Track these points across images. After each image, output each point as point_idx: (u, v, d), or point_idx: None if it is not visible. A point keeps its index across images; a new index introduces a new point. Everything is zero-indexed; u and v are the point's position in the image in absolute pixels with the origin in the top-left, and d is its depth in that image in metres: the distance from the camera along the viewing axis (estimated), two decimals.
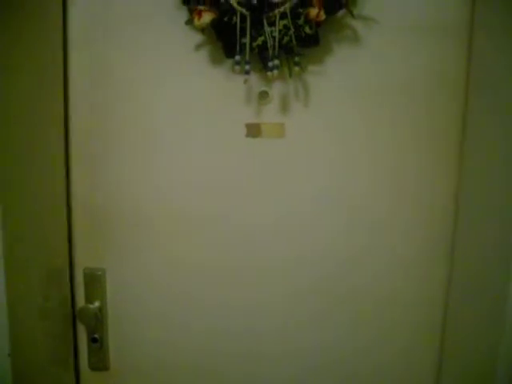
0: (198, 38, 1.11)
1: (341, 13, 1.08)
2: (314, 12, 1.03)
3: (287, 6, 1.03)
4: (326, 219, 1.20)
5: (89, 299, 1.28)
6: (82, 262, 1.27)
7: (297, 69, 1.08)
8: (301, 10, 1.04)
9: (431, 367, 1.28)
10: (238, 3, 1.04)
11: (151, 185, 1.22)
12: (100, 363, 1.31)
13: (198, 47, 1.12)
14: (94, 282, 1.27)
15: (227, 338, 1.28)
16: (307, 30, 1.05)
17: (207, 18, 1.04)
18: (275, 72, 1.07)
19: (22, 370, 1.04)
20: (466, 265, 1.18)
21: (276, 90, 1.15)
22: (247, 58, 1.06)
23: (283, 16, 1.04)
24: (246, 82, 1.10)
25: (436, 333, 1.26)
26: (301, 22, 1.05)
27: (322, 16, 1.04)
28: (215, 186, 1.20)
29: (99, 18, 1.14)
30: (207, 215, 1.21)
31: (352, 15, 1.08)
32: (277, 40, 1.05)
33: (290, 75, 1.10)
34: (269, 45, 1.05)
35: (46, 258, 1.16)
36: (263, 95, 1.15)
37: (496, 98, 1.06)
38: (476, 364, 1.11)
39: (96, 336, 1.29)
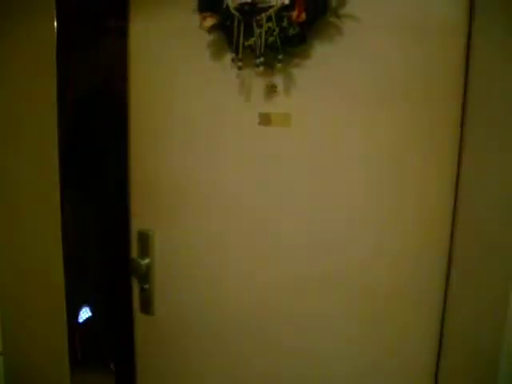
0: (211, 38, 1.30)
1: (328, 14, 1.17)
2: (294, 14, 1.15)
3: (272, 10, 1.17)
4: (324, 208, 1.29)
5: (140, 256, 1.56)
6: (137, 225, 1.56)
7: (279, 65, 1.20)
8: (285, 14, 1.16)
9: (429, 365, 1.28)
10: (235, 9, 1.21)
11: (192, 164, 1.44)
12: (147, 309, 1.58)
13: (210, 46, 1.31)
14: (145, 241, 1.55)
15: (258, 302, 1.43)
16: (291, 30, 1.17)
17: (210, 22, 1.23)
18: (261, 68, 1.21)
19: (17, 369, 1.27)
20: (465, 263, 1.17)
21: (283, 83, 1.27)
22: (240, 56, 1.22)
23: (269, 19, 1.18)
24: (238, 76, 1.26)
25: (434, 330, 1.25)
26: (284, 23, 1.17)
27: (303, 18, 1.14)
28: (237, 166, 1.37)
29: (149, 33, 1.42)
30: (230, 191, 1.39)
31: (337, 17, 1.16)
32: (263, 40, 1.19)
33: (279, 71, 1.23)
34: (256, 44, 1.20)
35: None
36: (271, 88, 1.28)
37: (495, 96, 1.05)
38: (478, 360, 1.11)
39: (145, 286, 1.57)
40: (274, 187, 1.34)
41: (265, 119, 1.32)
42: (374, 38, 1.17)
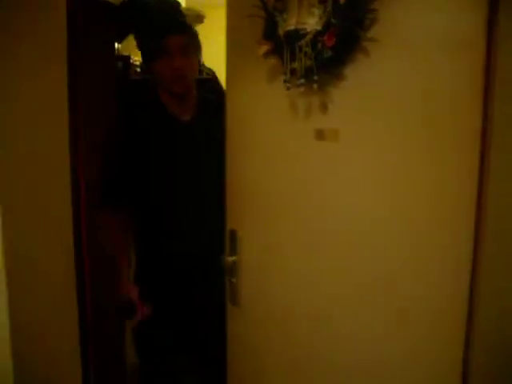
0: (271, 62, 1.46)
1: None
2: (326, 39, 1.26)
3: (308, 36, 1.30)
4: (367, 215, 1.37)
5: (230, 253, 1.78)
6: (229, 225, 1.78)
7: (315, 86, 1.31)
8: (320, 39, 1.28)
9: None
10: (283, 36, 1.36)
11: (269, 174, 1.61)
12: (234, 300, 1.79)
13: (272, 69, 1.46)
14: (234, 239, 1.76)
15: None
16: (325, 54, 1.28)
17: (263, 48, 1.40)
18: (301, 88, 1.34)
19: None
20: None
21: (328, 101, 1.38)
22: (287, 77, 1.37)
23: (307, 44, 1.30)
24: (292, 96, 1.39)
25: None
26: (319, 47, 1.28)
27: (332, 42, 1.25)
28: (300, 174, 1.51)
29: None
30: (295, 194, 1.53)
31: (368, 41, 1.24)
32: (303, 63, 1.32)
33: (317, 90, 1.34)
34: (298, 67, 1.33)
35: None
36: (323, 106, 1.40)
37: None
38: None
39: (233, 280, 1.78)
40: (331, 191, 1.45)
41: (319, 134, 1.43)
42: (404, 58, 1.22)
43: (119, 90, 2.05)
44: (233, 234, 1.75)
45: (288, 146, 1.51)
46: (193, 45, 1.85)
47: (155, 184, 1.83)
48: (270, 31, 1.41)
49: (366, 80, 1.28)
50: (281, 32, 1.37)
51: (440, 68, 1.18)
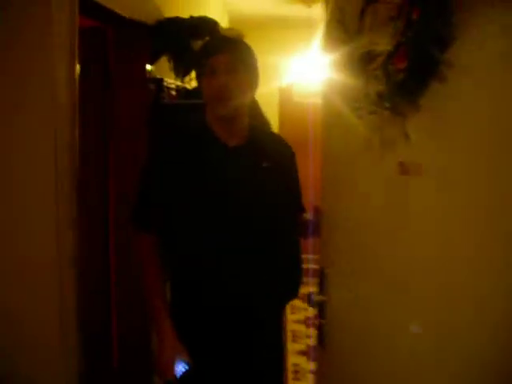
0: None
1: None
2: (396, 60, 1.11)
3: (379, 58, 1.15)
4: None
5: (318, 292, 1.65)
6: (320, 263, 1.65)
7: (387, 113, 1.15)
8: (390, 60, 1.13)
9: None
10: (358, 58, 1.23)
11: (356, 210, 1.48)
12: (322, 342, 1.65)
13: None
14: (322, 278, 1.63)
15: None
16: (396, 77, 1.12)
17: (343, 73, 1.28)
18: (372, 117, 1.19)
19: None
20: None
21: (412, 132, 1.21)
22: (360, 105, 1.22)
23: (378, 67, 1.16)
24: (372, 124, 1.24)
25: None
26: (390, 70, 1.13)
27: (403, 63, 1.09)
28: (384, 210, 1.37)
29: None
30: (380, 231, 1.40)
31: (447, 66, 1.06)
32: (373, 88, 1.17)
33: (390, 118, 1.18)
34: (370, 93, 1.19)
35: None
36: (406, 136, 1.23)
37: None
38: None
39: (321, 321, 1.65)
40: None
41: (403, 168, 1.27)
42: (481, 83, 1.03)
43: (153, 113, 1.98)
44: (322, 272, 1.63)
45: (370, 180, 1.36)
46: (242, 61, 1.59)
47: (191, 210, 1.65)
48: (348, 54, 1.29)
49: (444, 109, 1.10)
50: (356, 55, 1.24)
51: None
